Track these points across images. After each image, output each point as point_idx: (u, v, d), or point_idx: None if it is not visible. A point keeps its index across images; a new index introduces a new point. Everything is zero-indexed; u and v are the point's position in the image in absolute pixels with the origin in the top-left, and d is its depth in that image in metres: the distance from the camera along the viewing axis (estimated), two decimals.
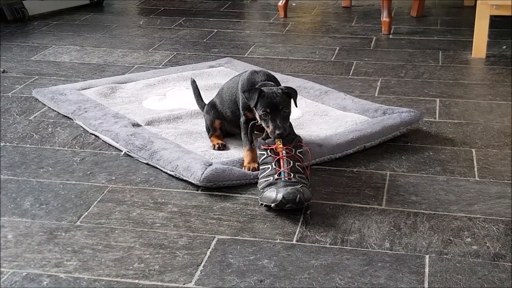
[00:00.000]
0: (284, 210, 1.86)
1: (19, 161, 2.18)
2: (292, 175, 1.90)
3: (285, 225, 1.81)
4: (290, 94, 2.02)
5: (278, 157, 1.92)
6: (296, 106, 2.06)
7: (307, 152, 2.01)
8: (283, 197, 1.83)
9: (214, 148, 2.20)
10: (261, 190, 1.91)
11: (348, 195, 1.96)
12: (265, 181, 1.91)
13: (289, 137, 1.97)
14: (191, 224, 1.81)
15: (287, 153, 1.93)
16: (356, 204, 1.92)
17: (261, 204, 1.89)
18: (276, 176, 1.90)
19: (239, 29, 3.78)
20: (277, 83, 2.11)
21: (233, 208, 1.89)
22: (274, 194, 1.85)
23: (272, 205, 1.85)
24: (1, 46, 3.41)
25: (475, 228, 1.79)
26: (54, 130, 2.42)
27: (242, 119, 2.13)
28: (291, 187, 1.85)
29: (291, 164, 1.91)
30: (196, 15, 4.09)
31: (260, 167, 1.97)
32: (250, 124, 2.10)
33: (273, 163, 1.92)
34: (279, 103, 1.98)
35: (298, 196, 1.83)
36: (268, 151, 1.95)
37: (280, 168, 1.91)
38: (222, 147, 2.20)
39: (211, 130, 2.26)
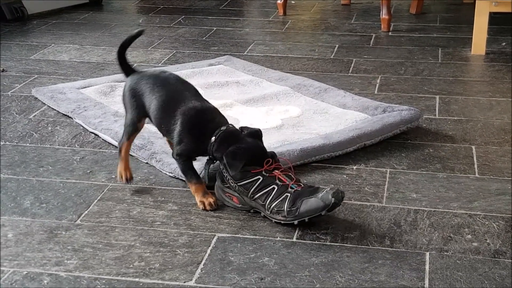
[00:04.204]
0: None
1: (19, 160, 2.17)
2: (299, 184, 1.80)
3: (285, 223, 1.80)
4: None
5: (276, 174, 1.80)
6: None
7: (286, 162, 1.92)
8: (334, 199, 1.71)
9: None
10: (288, 210, 1.75)
11: (348, 193, 1.96)
12: (281, 201, 1.76)
13: (269, 154, 1.83)
14: (191, 222, 1.81)
15: (278, 168, 1.82)
16: (356, 201, 1.92)
17: (297, 223, 1.75)
18: (290, 190, 1.77)
19: (238, 27, 3.78)
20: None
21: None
22: (315, 202, 1.72)
23: (323, 212, 1.72)
24: (1, 45, 3.41)
25: (476, 225, 1.79)
26: (54, 129, 2.42)
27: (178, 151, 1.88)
28: (325, 190, 1.74)
29: (292, 177, 1.81)
30: (195, 13, 4.09)
31: (260, 192, 1.79)
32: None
33: (276, 181, 1.79)
34: None
35: (341, 193, 1.74)
36: (263, 172, 1.79)
37: (285, 182, 1.79)
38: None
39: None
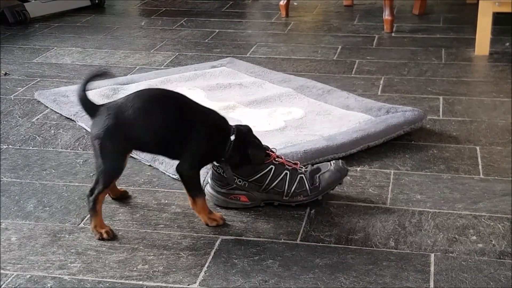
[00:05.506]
0: (289, 208, 1.86)
1: (22, 164, 2.17)
2: (301, 166, 1.91)
3: (289, 225, 1.80)
4: None
5: (282, 160, 1.87)
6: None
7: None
8: (346, 166, 1.92)
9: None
10: (311, 188, 1.86)
11: (352, 194, 1.95)
12: (299, 183, 1.85)
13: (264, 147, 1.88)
14: (194, 225, 1.81)
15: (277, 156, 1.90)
16: (360, 203, 1.91)
17: (321, 199, 1.88)
18: (300, 172, 1.87)
19: (240, 29, 3.77)
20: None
21: (237, 209, 1.88)
22: (333, 174, 1.88)
23: (341, 181, 1.90)
24: (3, 49, 3.41)
25: (481, 226, 1.79)
26: (57, 132, 2.41)
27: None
28: (332, 163, 1.90)
29: (292, 161, 1.92)
30: (197, 15, 4.09)
31: (276, 180, 1.84)
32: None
33: (286, 167, 1.86)
34: None
35: (344, 162, 1.93)
36: (273, 161, 1.84)
37: (293, 166, 1.88)
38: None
39: None
